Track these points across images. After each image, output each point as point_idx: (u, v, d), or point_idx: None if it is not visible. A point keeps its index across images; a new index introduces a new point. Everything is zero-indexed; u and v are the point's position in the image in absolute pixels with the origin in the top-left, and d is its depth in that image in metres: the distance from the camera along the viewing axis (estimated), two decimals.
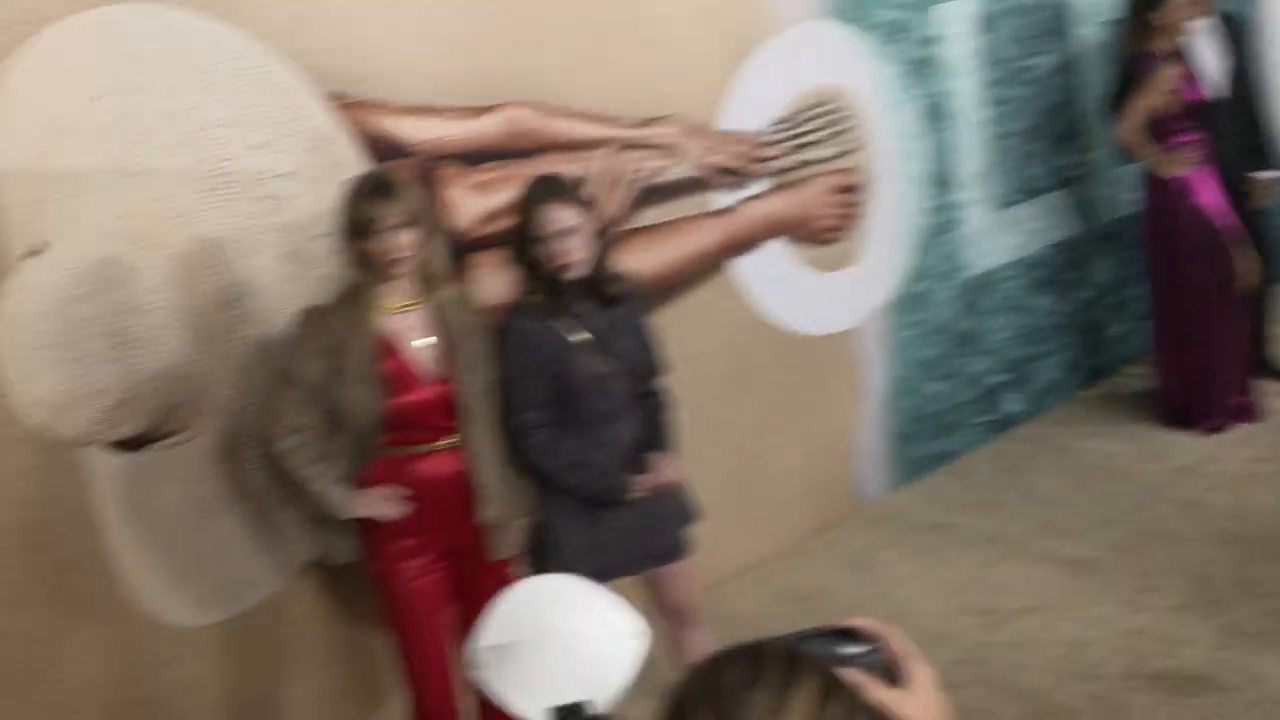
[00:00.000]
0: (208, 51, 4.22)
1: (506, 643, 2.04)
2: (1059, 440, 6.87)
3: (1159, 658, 4.81)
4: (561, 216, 3.98)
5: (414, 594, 4.06)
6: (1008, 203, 6.87)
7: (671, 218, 5.48)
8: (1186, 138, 6.46)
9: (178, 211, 4.20)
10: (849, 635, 1.92)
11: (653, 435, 4.24)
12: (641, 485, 4.14)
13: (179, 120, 4.17)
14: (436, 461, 4.03)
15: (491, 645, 2.05)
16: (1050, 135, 7.06)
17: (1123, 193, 7.40)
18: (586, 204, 4.08)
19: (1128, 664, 4.79)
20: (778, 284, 5.91)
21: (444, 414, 4.01)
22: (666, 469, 4.22)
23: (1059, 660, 4.87)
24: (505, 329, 4.09)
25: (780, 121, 5.83)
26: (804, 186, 5.95)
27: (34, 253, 3.96)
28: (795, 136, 5.89)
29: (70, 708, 4.14)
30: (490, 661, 2.04)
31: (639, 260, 5.26)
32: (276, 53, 4.35)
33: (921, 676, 1.77)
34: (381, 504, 3.98)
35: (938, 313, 6.59)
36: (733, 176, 5.67)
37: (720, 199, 5.65)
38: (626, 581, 4.44)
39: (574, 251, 3.99)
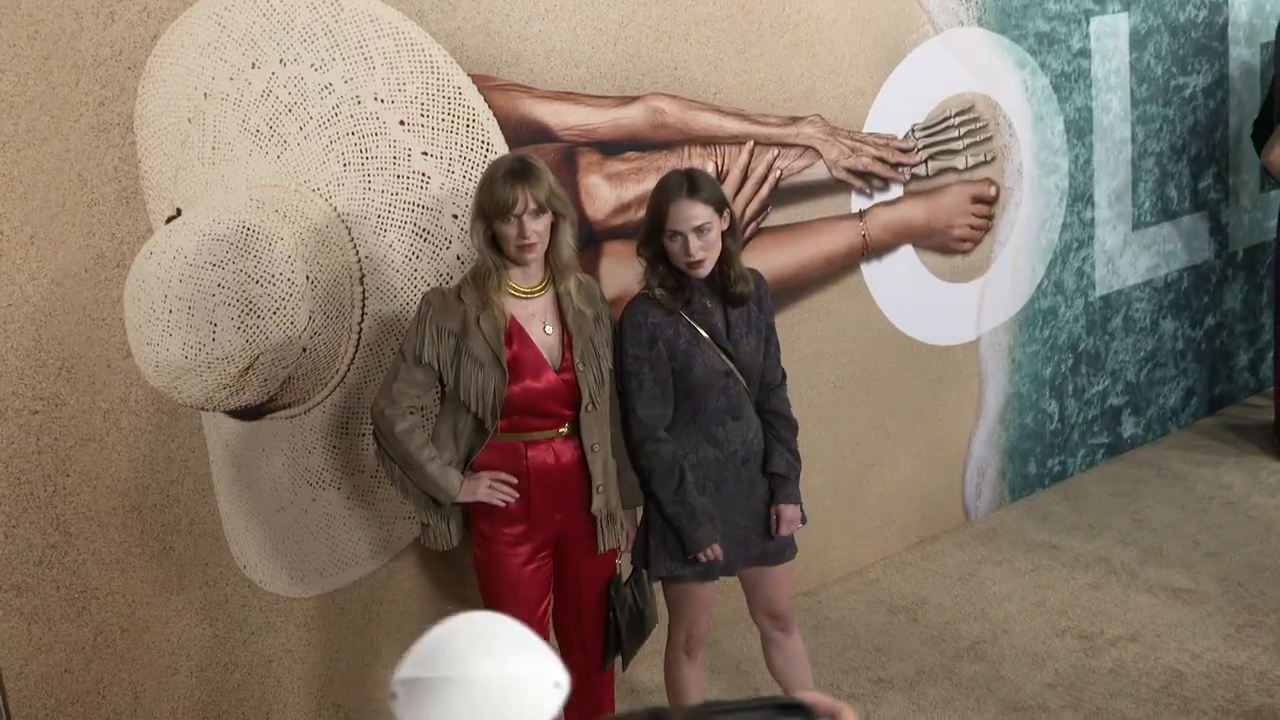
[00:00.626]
0: (367, 26, 4.27)
1: (421, 678, 2.03)
2: (1174, 467, 6.80)
3: (1259, 694, 4.76)
4: (695, 213, 3.95)
5: (517, 582, 4.07)
6: (1143, 223, 6.79)
7: (806, 218, 5.48)
8: None
9: (317, 184, 4.26)
10: (796, 709, 1.94)
11: (779, 461, 4.24)
12: (718, 553, 4.11)
13: (333, 93, 4.23)
14: (550, 450, 4.04)
15: (406, 679, 2.04)
16: (1193, 157, 6.96)
17: (1262, 220, 7.29)
18: (721, 202, 4.05)
19: (1226, 699, 4.74)
20: (905, 291, 5.90)
21: (562, 402, 4.01)
22: (792, 522, 4.23)
23: (1156, 691, 4.83)
24: (629, 321, 4.08)
25: (922, 127, 5.80)
26: (940, 194, 5.92)
27: (175, 216, 4.04)
28: (936, 143, 5.85)
29: (167, 668, 4.24)
30: (403, 695, 2.03)
31: (770, 259, 5.27)
32: (429, 31, 4.40)
33: None
34: (492, 491, 3.99)
35: (1062, 330, 6.53)
36: (870, 180, 5.65)
37: (856, 202, 5.64)
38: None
39: (704, 249, 3.97)
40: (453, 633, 2.06)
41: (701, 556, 4.09)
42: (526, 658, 2.05)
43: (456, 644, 2.03)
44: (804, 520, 4.32)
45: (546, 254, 3.97)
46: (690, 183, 3.99)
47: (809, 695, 2.02)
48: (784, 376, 4.32)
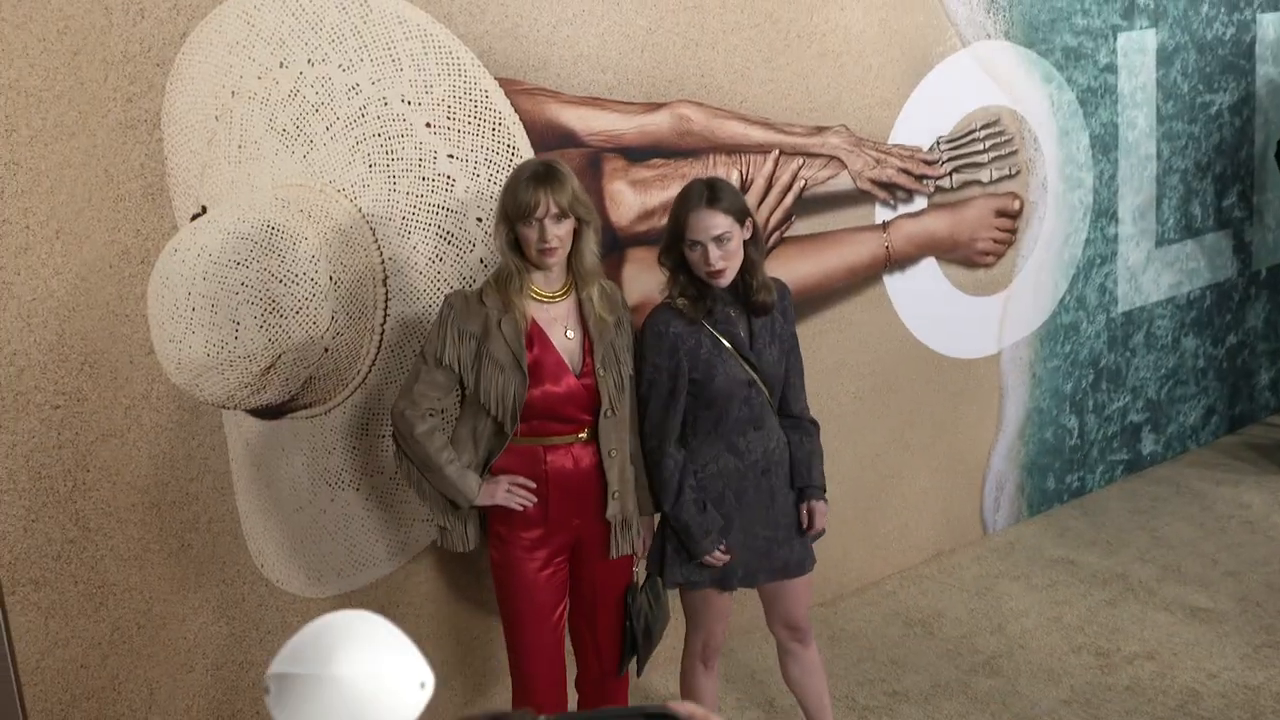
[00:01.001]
0: (395, 28, 4.27)
1: (290, 673, 2.05)
2: (1193, 485, 6.78)
3: (1275, 715, 4.74)
4: (715, 223, 3.93)
5: (533, 586, 4.06)
6: (1166, 240, 6.77)
7: (830, 228, 5.47)
8: None
9: (342, 184, 4.26)
10: (663, 719, 1.94)
11: (818, 474, 4.25)
12: (720, 558, 4.11)
13: (360, 93, 4.23)
14: (569, 455, 4.03)
15: (277, 674, 2.06)
16: (1218, 175, 6.94)
17: None
18: (743, 211, 4.04)
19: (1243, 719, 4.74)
20: (927, 303, 5.89)
21: (582, 407, 4.00)
22: (822, 517, 4.24)
23: (1172, 710, 4.80)
24: (650, 330, 4.07)
25: (947, 140, 5.79)
26: (964, 207, 5.91)
27: (200, 213, 4.04)
28: (961, 156, 5.84)
29: (183, 665, 4.24)
30: (274, 689, 2.06)
31: (793, 269, 5.26)
32: (458, 34, 4.40)
33: None
34: (510, 495, 3.99)
35: (1084, 346, 6.51)
36: (894, 191, 5.65)
37: (880, 213, 5.63)
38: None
39: (724, 259, 3.95)
40: (324, 629, 2.09)
41: (704, 561, 4.09)
42: (393, 657, 2.08)
43: (325, 641, 2.07)
44: (822, 532, 4.31)
45: (569, 259, 3.97)
46: (711, 192, 3.97)
47: (682, 706, 2.02)
48: (804, 388, 4.32)
